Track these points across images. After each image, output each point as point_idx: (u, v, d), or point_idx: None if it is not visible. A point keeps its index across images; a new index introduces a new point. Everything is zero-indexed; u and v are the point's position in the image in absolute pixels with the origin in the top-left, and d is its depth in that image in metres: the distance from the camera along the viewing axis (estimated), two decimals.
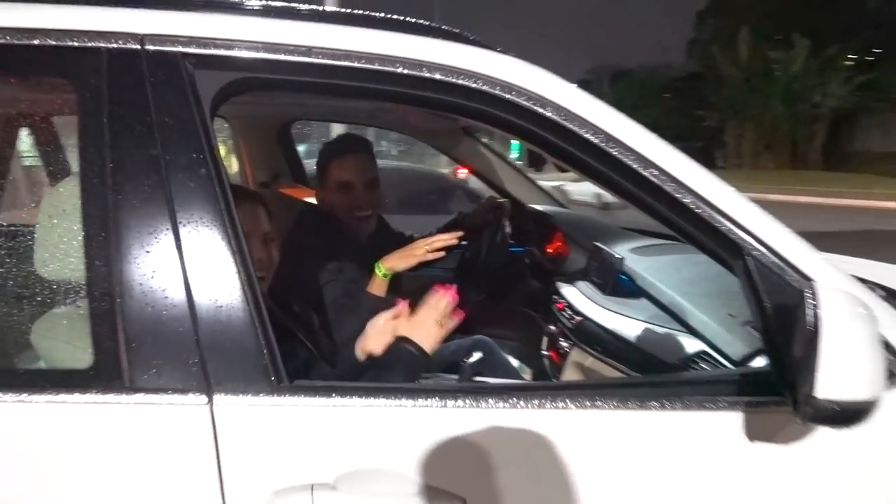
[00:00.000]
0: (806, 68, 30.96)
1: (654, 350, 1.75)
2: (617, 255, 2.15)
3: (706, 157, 48.76)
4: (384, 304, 1.75)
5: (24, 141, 1.60)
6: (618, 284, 2.09)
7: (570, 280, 2.35)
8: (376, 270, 1.88)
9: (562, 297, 2.31)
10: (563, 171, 2.41)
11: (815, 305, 0.95)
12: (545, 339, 2.43)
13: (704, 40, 46.43)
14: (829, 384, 0.93)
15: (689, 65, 51.74)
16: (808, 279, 1.07)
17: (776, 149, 33.50)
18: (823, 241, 1.48)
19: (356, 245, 2.14)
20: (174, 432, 1.04)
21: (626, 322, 1.92)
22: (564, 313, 2.23)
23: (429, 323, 1.50)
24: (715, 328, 1.59)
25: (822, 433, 1.07)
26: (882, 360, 0.96)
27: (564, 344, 2.21)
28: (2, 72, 1.13)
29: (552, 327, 2.34)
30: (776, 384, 1.07)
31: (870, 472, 1.13)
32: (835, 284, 1.06)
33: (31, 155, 1.59)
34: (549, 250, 2.55)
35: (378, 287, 1.87)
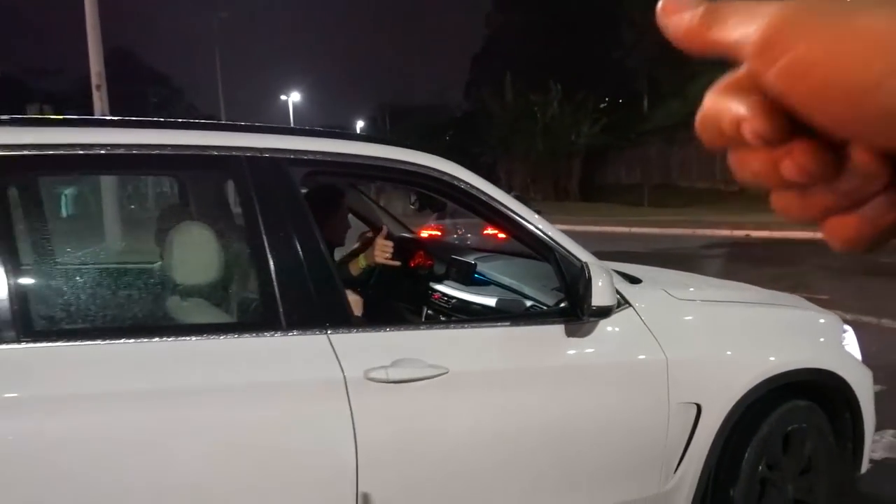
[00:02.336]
0: (561, 111, 34.67)
1: (506, 307, 2.83)
2: (471, 261, 3.21)
3: None
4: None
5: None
6: (472, 279, 3.18)
7: (438, 281, 3.39)
8: (360, 259, 2.99)
9: (436, 290, 3.36)
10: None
11: (588, 270, 2.07)
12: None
13: (478, 82, 50.14)
14: (597, 299, 2.04)
15: (466, 105, 55.53)
16: (580, 260, 2.17)
17: (541, 182, 37.05)
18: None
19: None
20: (316, 346, 1.84)
21: (485, 298, 2.99)
22: (442, 299, 3.28)
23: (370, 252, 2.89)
24: (536, 293, 2.75)
25: (591, 325, 2.20)
26: (613, 290, 2.09)
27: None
28: (190, 167, 2.30)
29: (429, 311, 3.37)
30: (570, 310, 2.17)
31: (605, 337, 2.25)
32: (593, 261, 2.18)
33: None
34: (419, 263, 3.60)
35: (355, 266, 3.01)
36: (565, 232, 2.31)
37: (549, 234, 2.23)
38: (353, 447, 1.79)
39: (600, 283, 2.05)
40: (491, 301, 2.92)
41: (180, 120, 2.03)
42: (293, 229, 1.93)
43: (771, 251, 13.33)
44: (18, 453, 1.50)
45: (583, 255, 2.22)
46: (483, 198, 2.21)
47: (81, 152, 1.76)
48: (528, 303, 2.72)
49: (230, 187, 2.33)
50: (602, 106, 36.25)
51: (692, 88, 38.31)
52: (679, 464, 2.35)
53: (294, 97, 52.87)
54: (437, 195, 2.35)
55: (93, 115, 10.73)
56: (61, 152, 1.74)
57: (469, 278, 3.15)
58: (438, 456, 1.99)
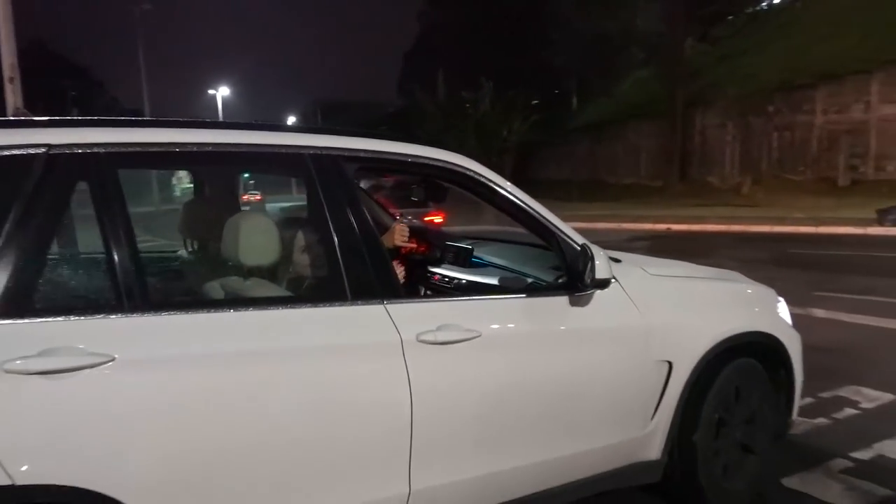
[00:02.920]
0: (493, 108, 35.10)
1: (510, 284, 3.11)
2: (468, 246, 3.50)
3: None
4: None
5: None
6: (471, 262, 3.45)
7: (434, 265, 3.71)
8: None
9: (436, 273, 3.70)
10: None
11: (589, 249, 2.50)
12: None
13: (411, 79, 50.21)
14: (599, 273, 2.48)
15: (399, 101, 55.50)
16: (579, 242, 2.60)
17: None
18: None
19: None
20: (376, 314, 2.22)
21: (486, 278, 3.37)
22: (443, 280, 3.63)
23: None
24: (533, 271, 3.12)
25: (589, 296, 2.61)
26: (610, 266, 2.54)
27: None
28: (264, 163, 2.54)
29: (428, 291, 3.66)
30: (570, 285, 2.60)
31: (599, 306, 2.64)
32: (590, 243, 2.58)
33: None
34: (411, 250, 3.79)
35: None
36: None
37: (551, 220, 2.69)
38: (409, 394, 2.19)
39: (599, 261, 2.50)
40: (494, 280, 3.30)
41: (256, 122, 2.37)
42: (352, 216, 2.27)
43: (689, 243, 13.96)
44: (150, 397, 1.82)
45: (579, 238, 2.67)
46: (496, 189, 2.64)
47: (178, 150, 2.10)
48: (528, 280, 3.08)
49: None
50: (533, 103, 36.82)
51: (618, 88, 39.50)
52: (655, 412, 2.80)
53: (222, 91, 51.59)
54: (459, 187, 2.72)
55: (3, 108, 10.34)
56: (163, 150, 2.09)
57: (468, 261, 3.48)
58: (473, 401, 2.38)
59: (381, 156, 2.45)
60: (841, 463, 3.43)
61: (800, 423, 3.95)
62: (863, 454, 3.53)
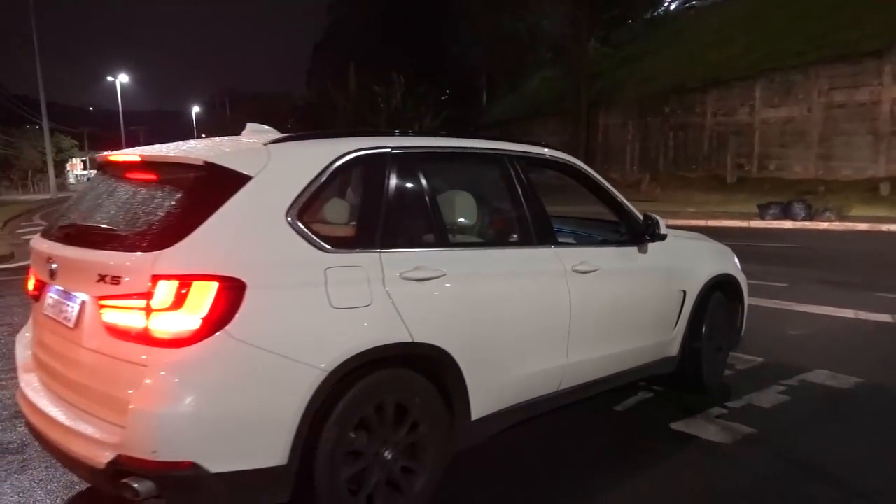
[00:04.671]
0: (404, 103, 35.42)
1: (605, 238, 4.23)
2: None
3: None
4: None
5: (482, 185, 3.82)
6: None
7: None
8: None
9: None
10: None
11: (653, 216, 3.96)
12: None
13: (320, 72, 49.69)
14: (661, 230, 3.96)
15: (308, 94, 54.79)
16: (641, 213, 4.05)
17: None
18: None
19: None
20: (550, 253, 3.46)
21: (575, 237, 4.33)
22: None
23: None
24: (596, 234, 4.35)
25: (646, 247, 3.97)
26: (665, 226, 4.02)
27: None
28: (474, 164, 3.60)
29: None
30: (635, 240, 3.97)
31: (652, 253, 4.00)
32: (649, 213, 4.05)
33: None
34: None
35: None
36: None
37: (624, 200, 4.07)
38: (569, 302, 3.40)
39: (661, 223, 3.98)
40: (596, 236, 4.50)
41: (483, 133, 3.79)
42: (532, 195, 3.47)
43: None
44: (461, 293, 2.94)
45: (637, 211, 4.07)
46: (592, 178, 3.95)
47: (438, 153, 3.31)
48: (599, 238, 4.32)
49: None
50: (443, 98, 37.38)
51: (525, 86, 40.75)
52: (676, 323, 4.19)
53: (122, 79, 49.46)
54: (571, 178, 3.95)
55: None
56: (448, 151, 3.38)
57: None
58: (596, 309, 3.59)
59: (534, 155, 3.70)
60: (717, 410, 4.06)
61: None
62: (735, 403, 4.18)
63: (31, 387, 2.79)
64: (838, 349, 5.48)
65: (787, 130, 24.03)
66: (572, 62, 31.52)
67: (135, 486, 2.16)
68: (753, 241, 13.03)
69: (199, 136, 74.84)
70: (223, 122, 61.03)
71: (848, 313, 6.71)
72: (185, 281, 2.23)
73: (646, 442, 3.68)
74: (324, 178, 2.66)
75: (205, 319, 2.22)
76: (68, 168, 74.86)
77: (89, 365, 2.43)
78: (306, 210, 2.57)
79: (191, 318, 2.21)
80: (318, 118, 39.75)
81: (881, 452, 3.50)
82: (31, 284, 2.96)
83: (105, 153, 3.09)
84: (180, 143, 3.02)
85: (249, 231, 2.41)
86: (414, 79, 34.79)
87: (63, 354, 2.62)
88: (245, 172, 2.48)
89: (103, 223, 2.64)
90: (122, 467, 2.19)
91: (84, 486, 3.11)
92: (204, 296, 2.23)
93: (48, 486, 3.14)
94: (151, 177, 2.72)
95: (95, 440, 2.29)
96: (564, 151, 3.88)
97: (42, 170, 52.98)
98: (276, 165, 2.56)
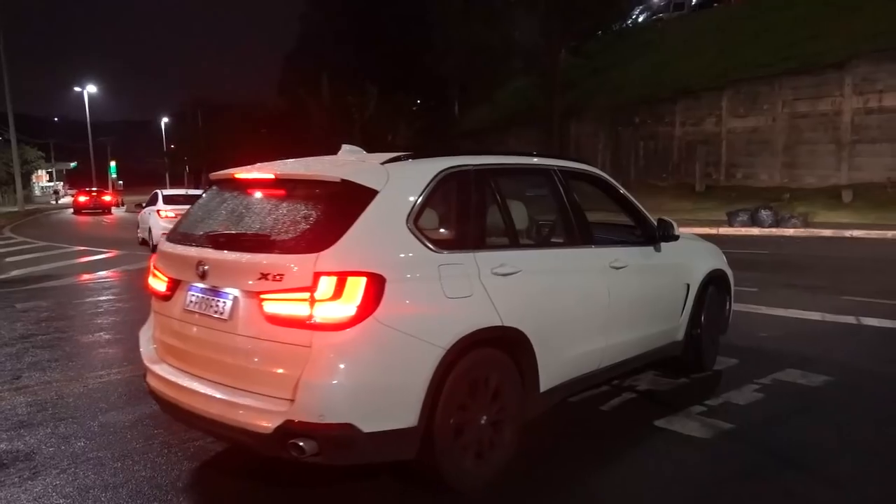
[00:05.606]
0: (378, 112, 35.57)
1: (627, 240, 4.75)
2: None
3: None
4: None
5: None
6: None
7: None
8: None
9: None
10: None
11: (667, 220, 4.73)
12: None
13: (293, 81, 49.49)
14: (675, 232, 4.78)
15: (281, 103, 54.49)
16: (655, 218, 4.77)
17: None
18: None
19: None
20: (592, 252, 4.12)
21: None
22: None
23: None
24: (615, 236, 4.79)
25: (660, 246, 4.67)
26: (678, 228, 4.89)
27: None
28: (520, 178, 4.23)
29: None
30: (651, 241, 4.66)
31: (664, 252, 4.70)
32: (663, 217, 4.82)
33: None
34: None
35: None
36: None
37: (641, 208, 4.73)
38: (607, 294, 4.05)
39: (675, 226, 4.75)
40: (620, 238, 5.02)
41: (535, 153, 4.43)
42: (575, 202, 4.07)
43: None
44: (533, 285, 3.51)
45: (652, 217, 4.75)
46: (614, 187, 4.59)
47: (505, 168, 3.88)
48: (619, 239, 4.81)
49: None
50: (413, 108, 37.54)
51: (499, 95, 41.12)
52: (682, 312, 4.89)
53: (90, 89, 48.85)
54: (598, 189, 4.57)
55: None
56: (501, 167, 3.80)
57: None
58: (625, 299, 4.20)
59: (575, 170, 4.33)
60: (698, 408, 4.29)
61: (666, 382, 4.85)
62: (713, 401, 4.42)
63: (168, 373, 3.28)
64: (807, 350, 5.77)
65: (754, 140, 24.72)
66: (545, 73, 31.95)
67: (301, 444, 2.69)
68: (723, 247, 13.29)
69: (169, 148, 73.57)
70: (195, 133, 60.51)
71: (815, 316, 7.04)
72: (342, 276, 2.73)
73: (632, 438, 3.89)
74: (429, 191, 3.20)
75: (358, 307, 2.72)
76: (34, 180, 73.52)
77: (247, 349, 2.91)
78: (419, 217, 3.10)
79: (347, 306, 2.71)
80: (291, 128, 39.60)
81: (850, 443, 3.76)
82: (160, 286, 3.43)
83: (228, 171, 3.61)
84: (299, 160, 3.76)
85: (382, 235, 2.94)
86: (387, 88, 34.93)
87: (214, 342, 3.06)
88: (373, 188, 3.00)
89: (253, 230, 3.09)
90: (290, 431, 2.69)
91: (98, 489, 3.23)
92: (357, 288, 2.74)
93: (64, 490, 3.25)
94: (286, 192, 3.22)
95: (261, 410, 2.79)
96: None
97: (7, 182, 52.02)
98: (395, 181, 3.09)
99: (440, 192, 3.30)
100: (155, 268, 3.52)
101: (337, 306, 2.71)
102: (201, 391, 3.04)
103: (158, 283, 3.46)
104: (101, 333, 6.89)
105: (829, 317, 6.98)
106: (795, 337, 6.28)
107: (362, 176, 3.06)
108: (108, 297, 9.27)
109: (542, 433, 3.86)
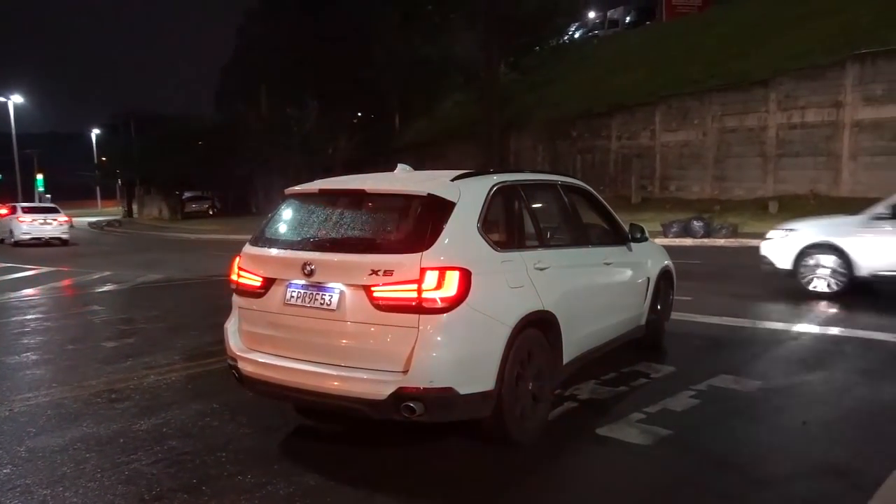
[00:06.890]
0: (318, 125, 35.27)
1: (608, 241, 5.59)
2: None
3: (242, 205, 50.68)
4: None
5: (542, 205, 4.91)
6: None
7: None
8: None
9: None
10: None
11: (639, 225, 5.92)
12: None
13: (231, 94, 48.59)
14: (645, 235, 5.95)
15: (217, 116, 53.39)
16: (626, 224, 5.86)
17: None
18: None
19: None
20: (625, 250, 5.70)
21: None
22: None
23: None
24: (597, 238, 5.50)
25: (630, 246, 5.72)
26: (647, 232, 6.09)
27: None
28: (539, 191, 4.96)
29: None
30: (622, 242, 5.66)
31: (634, 251, 5.76)
32: (633, 223, 6.05)
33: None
34: None
35: None
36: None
37: (615, 216, 5.68)
38: (603, 285, 5.14)
39: (645, 230, 5.86)
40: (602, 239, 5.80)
41: (552, 170, 5.87)
42: (576, 210, 5.04)
43: None
44: (559, 276, 4.35)
45: (625, 224, 5.69)
46: (596, 197, 5.58)
47: (531, 183, 4.77)
48: (598, 239, 5.48)
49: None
50: (354, 121, 37.36)
51: (439, 109, 41.40)
52: (645, 300, 5.93)
53: (16, 99, 46.95)
54: (584, 200, 5.45)
55: None
56: (529, 182, 4.75)
57: None
58: (612, 290, 5.33)
59: (571, 184, 5.25)
60: (637, 416, 4.38)
61: (607, 391, 4.94)
62: (652, 409, 4.52)
63: (268, 359, 3.86)
64: (740, 356, 5.99)
65: (685, 153, 25.57)
66: (484, 87, 32.32)
67: (412, 405, 3.36)
68: None
69: (100, 160, 70.89)
70: (128, 146, 58.69)
71: (746, 323, 7.31)
72: (442, 271, 3.41)
73: (575, 446, 3.95)
74: (488, 202, 3.94)
75: (455, 295, 3.41)
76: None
77: (356, 333, 3.56)
78: (483, 223, 3.82)
79: (447, 294, 3.39)
80: (229, 141, 38.83)
81: (782, 445, 3.90)
82: (252, 283, 3.97)
83: (309, 185, 4.32)
84: (374, 176, 4.48)
85: (464, 238, 3.66)
86: (328, 101, 34.70)
87: (320, 329, 3.66)
88: (452, 200, 3.71)
89: (356, 236, 3.81)
90: (402, 395, 3.35)
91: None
92: (453, 280, 3.42)
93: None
94: (376, 204, 4.04)
95: (374, 381, 3.45)
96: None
97: None
98: (466, 194, 3.80)
99: (493, 203, 4.01)
100: (242, 269, 4.08)
101: (439, 294, 3.38)
102: (312, 370, 3.62)
103: (250, 281, 4.00)
104: (28, 354, 6.58)
105: (760, 324, 7.26)
106: (728, 344, 6.51)
107: (443, 190, 3.76)
108: (34, 316, 8.86)
109: (485, 444, 3.87)
